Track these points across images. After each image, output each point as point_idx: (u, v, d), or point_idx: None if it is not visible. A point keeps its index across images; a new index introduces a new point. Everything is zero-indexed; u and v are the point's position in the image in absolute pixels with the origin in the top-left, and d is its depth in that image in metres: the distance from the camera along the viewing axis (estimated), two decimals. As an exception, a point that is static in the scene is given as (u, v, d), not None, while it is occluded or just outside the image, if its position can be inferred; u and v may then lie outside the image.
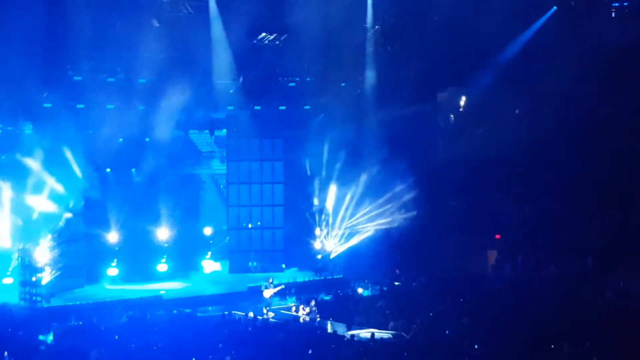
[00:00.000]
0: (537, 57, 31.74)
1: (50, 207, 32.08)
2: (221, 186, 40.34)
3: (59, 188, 32.12)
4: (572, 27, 31.23)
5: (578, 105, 30.98)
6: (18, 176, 32.05)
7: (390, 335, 23.72)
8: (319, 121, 36.86)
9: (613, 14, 32.29)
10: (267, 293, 29.87)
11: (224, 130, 37.78)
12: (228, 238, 37.82)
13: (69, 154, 32.28)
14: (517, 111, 32.98)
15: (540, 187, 32.73)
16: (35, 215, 31.90)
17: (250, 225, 37.27)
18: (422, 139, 33.51)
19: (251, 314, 27.63)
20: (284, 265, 37.23)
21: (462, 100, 33.76)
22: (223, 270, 37.67)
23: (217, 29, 33.04)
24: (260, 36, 34.31)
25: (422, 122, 34.33)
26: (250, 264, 36.73)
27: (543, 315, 22.62)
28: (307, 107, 37.11)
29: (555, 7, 32.70)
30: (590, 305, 23.60)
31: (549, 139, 32.23)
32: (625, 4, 31.83)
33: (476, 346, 20.97)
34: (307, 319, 27.50)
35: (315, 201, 37.10)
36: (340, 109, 35.86)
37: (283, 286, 30.56)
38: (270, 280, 30.08)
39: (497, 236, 32.87)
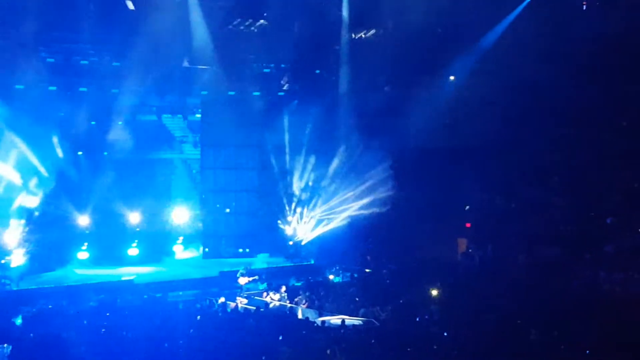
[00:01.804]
0: (511, 47, 31.82)
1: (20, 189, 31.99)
2: (194, 171, 40.29)
3: (31, 168, 32.03)
4: (544, 18, 31.36)
5: (550, 95, 31.02)
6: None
7: (361, 322, 23.85)
8: (294, 107, 36.81)
9: (584, 7, 32.47)
10: (242, 280, 29.94)
11: (198, 115, 37.62)
12: (201, 224, 37.85)
13: (41, 137, 32.08)
14: (490, 100, 33.14)
15: (512, 177, 32.89)
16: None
17: (228, 210, 37.22)
18: (396, 127, 33.45)
19: (222, 300, 27.68)
20: (246, 250, 37.10)
21: (437, 88, 33.84)
22: (196, 256, 37.71)
23: (192, 13, 32.77)
24: (236, 22, 34.07)
25: (396, 109, 34.28)
26: (240, 250, 36.80)
27: (511, 303, 22.84)
28: (282, 93, 36.96)
29: (529, -1, 33.00)
30: (559, 294, 23.75)
31: (522, 128, 32.29)
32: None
33: (445, 333, 21.13)
34: (278, 304, 27.56)
35: (289, 188, 37.19)
36: (315, 96, 35.79)
37: (257, 277, 30.70)
38: (248, 268, 30.20)
39: (468, 224, 32.96)
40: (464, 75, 33.97)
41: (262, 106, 36.64)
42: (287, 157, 37.12)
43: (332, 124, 36.04)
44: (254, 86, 36.35)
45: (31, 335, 21.45)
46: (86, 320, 23.24)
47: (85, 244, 35.07)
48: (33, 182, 32.82)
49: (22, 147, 32.00)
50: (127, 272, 33.51)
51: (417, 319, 23.25)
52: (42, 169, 33.01)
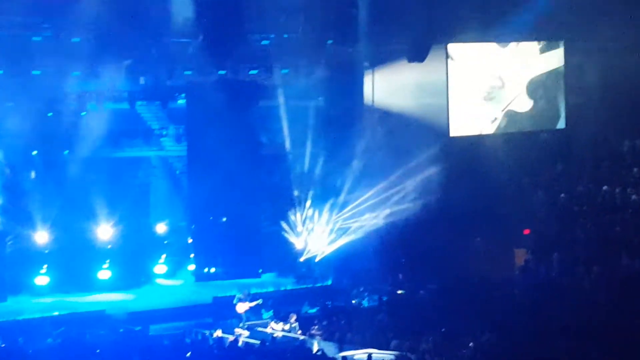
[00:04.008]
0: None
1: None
2: (177, 171, 40.53)
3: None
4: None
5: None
6: None
7: (393, 357, 23.87)
8: (301, 88, 36.77)
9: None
10: (241, 307, 30.14)
11: (181, 101, 37.77)
12: (190, 238, 38.08)
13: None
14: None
15: (583, 168, 33.13)
16: None
17: (224, 219, 37.45)
18: (431, 109, 33.46)
19: (218, 333, 27.88)
20: (260, 270, 37.44)
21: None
22: (185, 280, 38.13)
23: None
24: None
25: (430, 88, 34.18)
26: (240, 269, 37.08)
27: (588, 330, 22.85)
28: (285, 70, 36.82)
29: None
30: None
31: (595, 111, 32.78)
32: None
33: None
34: (287, 337, 27.96)
35: (299, 189, 37.38)
36: (327, 73, 35.79)
37: (260, 301, 30.88)
38: (247, 292, 30.42)
39: (527, 231, 32.81)
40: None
41: (261, 88, 36.64)
42: (294, 151, 37.31)
43: (349, 108, 36.12)
44: (250, 63, 36.13)
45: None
46: None
47: (45, 266, 35.13)
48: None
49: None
50: (98, 300, 33.68)
51: (465, 352, 23.25)
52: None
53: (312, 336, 27.71)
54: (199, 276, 37.40)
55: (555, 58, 34.62)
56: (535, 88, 34.42)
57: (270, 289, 34.41)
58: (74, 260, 35.31)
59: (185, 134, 38.16)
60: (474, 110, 34.22)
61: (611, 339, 22.15)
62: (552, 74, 34.52)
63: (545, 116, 34.74)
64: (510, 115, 34.23)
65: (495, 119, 34.10)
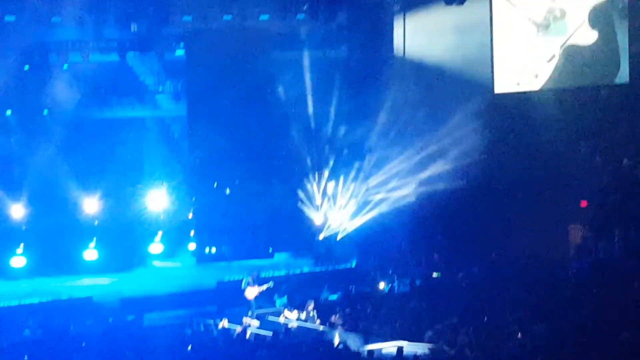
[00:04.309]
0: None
1: None
2: (175, 135, 40.71)
3: None
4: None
5: None
6: None
7: (427, 351, 23.52)
8: (319, 36, 36.90)
9: None
10: (251, 292, 30.06)
11: (179, 53, 37.80)
12: (191, 212, 38.12)
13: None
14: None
15: None
16: None
17: (228, 191, 37.65)
18: (472, 60, 33.59)
19: (223, 323, 27.76)
20: (271, 250, 37.52)
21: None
22: (185, 262, 38.12)
23: None
24: None
25: (471, 35, 34.25)
26: (248, 249, 37.39)
27: None
28: (301, 15, 36.75)
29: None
30: None
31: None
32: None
33: None
34: (303, 327, 27.89)
35: (317, 155, 37.43)
36: (350, 18, 35.86)
37: (272, 284, 30.74)
38: (256, 275, 30.33)
39: (583, 203, 32.67)
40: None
41: (273, 36, 36.63)
42: (312, 110, 37.15)
43: (378, 57, 36.05)
44: (259, 7, 36.16)
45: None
46: (26, 356, 23.32)
47: (21, 245, 35.36)
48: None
49: None
50: (83, 285, 33.75)
51: (510, 345, 22.98)
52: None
53: (332, 326, 27.57)
54: (201, 257, 37.62)
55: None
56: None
57: (284, 272, 34.32)
58: (55, 239, 35.39)
59: (184, 90, 38.15)
60: (521, 59, 33.98)
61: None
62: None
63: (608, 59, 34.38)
64: (569, 53, 33.89)
65: (554, 56, 33.72)
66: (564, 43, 33.18)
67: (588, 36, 32.95)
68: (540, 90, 33.80)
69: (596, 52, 33.06)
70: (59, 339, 25.64)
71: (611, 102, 34.42)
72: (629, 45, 32.42)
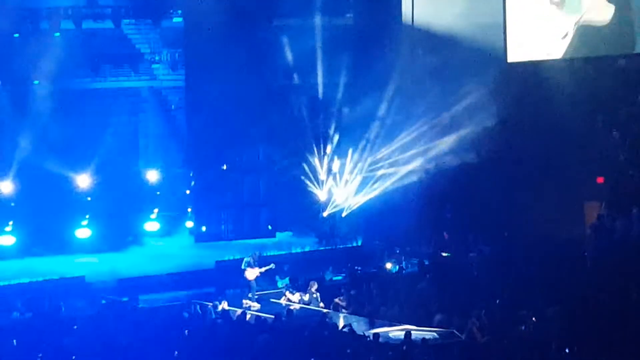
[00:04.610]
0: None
1: None
2: (172, 106, 40.63)
3: None
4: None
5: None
6: None
7: (436, 335, 23.57)
8: (325, 2, 36.62)
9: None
10: (251, 273, 29.72)
11: (177, 20, 37.93)
12: (188, 188, 38.32)
13: None
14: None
15: None
16: None
17: (225, 167, 37.60)
18: (485, 24, 33.23)
19: (223, 305, 27.52)
20: (270, 227, 37.54)
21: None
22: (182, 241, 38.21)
23: None
24: None
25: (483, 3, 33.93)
26: (249, 227, 37.51)
27: None
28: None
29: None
30: None
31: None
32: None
33: (567, 350, 20.87)
34: (306, 310, 27.83)
35: (321, 128, 37.34)
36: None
37: (273, 265, 30.47)
38: (257, 255, 30.13)
39: (600, 179, 32.09)
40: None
41: (276, 2, 36.51)
42: (316, 79, 36.95)
43: (385, 25, 35.59)
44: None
45: None
46: (15, 339, 23.13)
47: (10, 222, 35.44)
48: None
49: None
50: (75, 264, 33.65)
51: (523, 329, 22.77)
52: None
53: (337, 309, 27.47)
54: (199, 235, 37.65)
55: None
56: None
57: (286, 251, 34.30)
58: (46, 216, 35.39)
59: (181, 60, 38.35)
60: (535, 27, 33.53)
61: None
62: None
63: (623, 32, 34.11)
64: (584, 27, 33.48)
65: (567, 34, 33.36)
66: (579, 19, 32.99)
67: (604, 12, 32.59)
68: (556, 60, 33.44)
69: (612, 26, 32.73)
70: (49, 321, 25.44)
71: (629, 73, 34.08)
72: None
